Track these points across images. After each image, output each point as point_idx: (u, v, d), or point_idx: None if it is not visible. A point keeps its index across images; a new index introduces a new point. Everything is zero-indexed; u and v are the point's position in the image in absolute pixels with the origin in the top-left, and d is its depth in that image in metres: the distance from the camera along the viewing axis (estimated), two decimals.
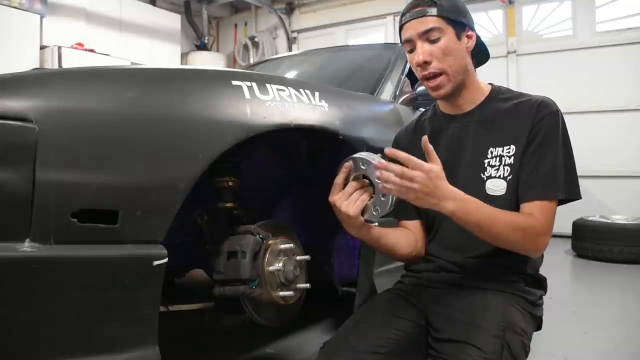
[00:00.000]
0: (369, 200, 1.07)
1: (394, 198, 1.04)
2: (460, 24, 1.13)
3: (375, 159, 1.04)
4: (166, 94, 1.01)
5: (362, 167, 1.06)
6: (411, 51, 1.16)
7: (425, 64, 1.12)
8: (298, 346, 1.88)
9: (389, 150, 1.00)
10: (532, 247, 1.06)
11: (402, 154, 0.98)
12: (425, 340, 1.11)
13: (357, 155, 1.08)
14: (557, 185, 1.07)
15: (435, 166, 0.98)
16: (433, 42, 1.11)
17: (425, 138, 1.01)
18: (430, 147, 1.00)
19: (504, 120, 1.14)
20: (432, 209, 1.01)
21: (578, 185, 1.09)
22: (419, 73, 1.16)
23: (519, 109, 1.13)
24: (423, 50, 1.11)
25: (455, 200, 1.00)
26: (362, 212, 1.07)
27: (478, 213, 1.02)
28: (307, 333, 1.99)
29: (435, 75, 1.12)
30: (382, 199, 1.04)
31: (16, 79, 0.89)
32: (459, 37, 1.13)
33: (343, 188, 1.07)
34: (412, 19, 1.12)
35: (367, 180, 1.07)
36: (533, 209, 1.06)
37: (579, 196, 1.09)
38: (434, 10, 1.10)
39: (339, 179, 1.08)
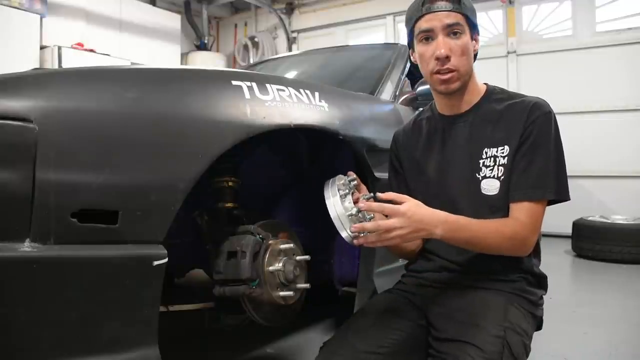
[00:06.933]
0: None
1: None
2: (475, 26, 1.14)
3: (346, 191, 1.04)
4: (166, 94, 1.01)
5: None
6: (425, 41, 1.13)
7: (447, 58, 1.10)
8: (298, 346, 1.88)
9: (364, 206, 1.00)
10: (520, 250, 1.10)
11: (375, 206, 0.99)
12: (425, 340, 1.11)
13: (333, 186, 1.07)
14: (546, 186, 1.08)
15: (408, 203, 0.99)
16: (455, 38, 1.10)
17: (380, 196, 1.02)
18: (392, 194, 1.01)
19: (498, 121, 1.14)
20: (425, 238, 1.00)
21: (567, 187, 1.11)
22: (431, 67, 1.12)
23: (513, 109, 1.13)
24: (445, 43, 1.10)
25: (442, 224, 1.01)
26: None
27: (467, 230, 1.03)
28: (307, 333, 1.99)
29: (449, 71, 1.12)
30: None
31: (16, 79, 0.89)
32: (471, 39, 1.14)
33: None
34: (438, 11, 1.10)
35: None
36: (521, 209, 1.08)
37: (568, 197, 1.10)
38: (458, 7, 1.10)
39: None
